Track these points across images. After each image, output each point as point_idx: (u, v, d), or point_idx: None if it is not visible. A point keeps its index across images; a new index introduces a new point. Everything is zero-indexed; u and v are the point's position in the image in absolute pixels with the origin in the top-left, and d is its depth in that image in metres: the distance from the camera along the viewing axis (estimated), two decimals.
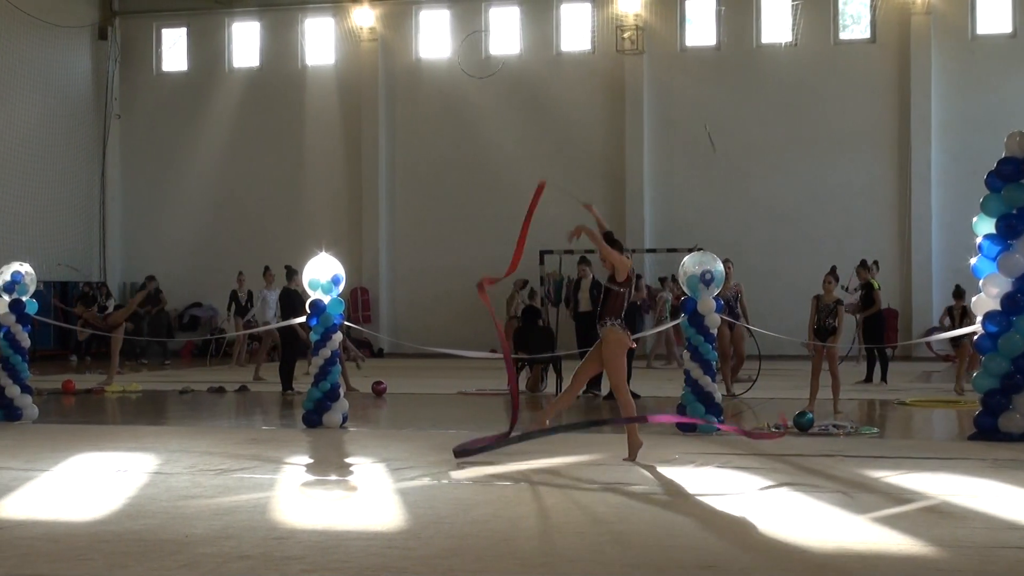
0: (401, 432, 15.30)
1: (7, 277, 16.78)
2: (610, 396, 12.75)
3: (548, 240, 32.93)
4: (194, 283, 36.01)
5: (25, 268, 16.97)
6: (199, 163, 36.64)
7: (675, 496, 10.21)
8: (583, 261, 21.47)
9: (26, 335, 16.85)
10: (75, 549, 8.11)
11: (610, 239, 12.74)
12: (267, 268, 25.93)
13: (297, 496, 10.35)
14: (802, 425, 14.66)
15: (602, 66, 34.08)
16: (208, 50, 36.99)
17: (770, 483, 10.76)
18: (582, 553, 8.01)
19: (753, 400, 19.35)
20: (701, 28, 33.96)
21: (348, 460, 12.45)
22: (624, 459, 12.16)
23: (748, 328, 20.38)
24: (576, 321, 21.08)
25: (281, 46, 36.38)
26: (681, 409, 14.74)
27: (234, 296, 29.54)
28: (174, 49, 37.55)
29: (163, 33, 37.55)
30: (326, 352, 15.53)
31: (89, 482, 11.14)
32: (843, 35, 33.11)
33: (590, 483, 10.83)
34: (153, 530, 8.75)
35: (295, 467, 12.14)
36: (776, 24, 33.31)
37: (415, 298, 34.63)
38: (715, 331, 14.92)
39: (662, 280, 29.73)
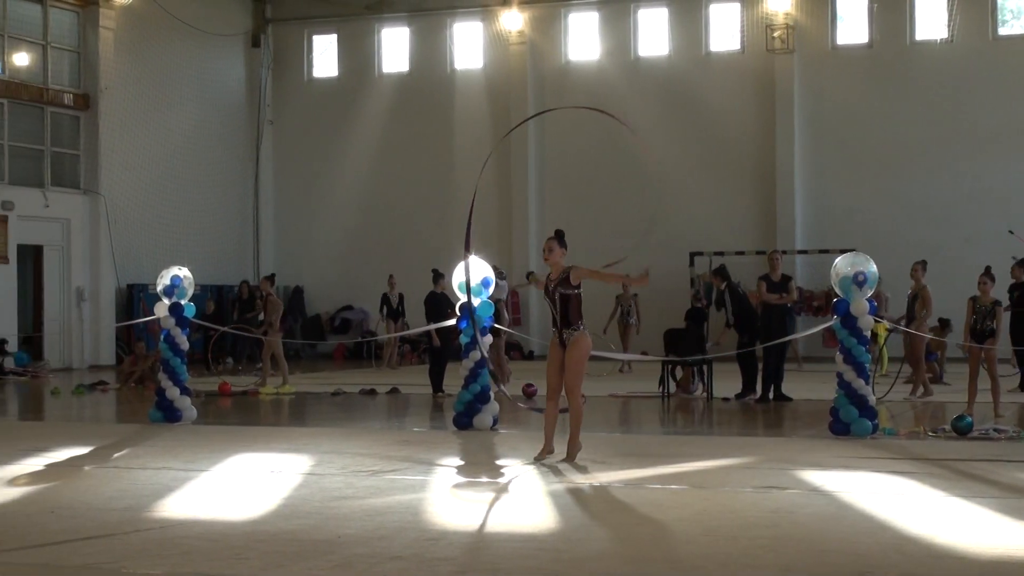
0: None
1: (167, 281, 17.16)
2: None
3: (698, 242, 32.85)
4: (345, 286, 36.47)
5: (184, 272, 17.34)
6: (349, 168, 37.09)
7: (829, 500, 10.06)
8: (717, 273, 21.11)
9: (185, 338, 17.21)
10: (232, 548, 8.25)
11: (561, 237, 13.02)
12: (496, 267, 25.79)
13: (448, 497, 10.41)
14: (961, 429, 14.35)
15: (751, 66, 33.76)
16: (358, 56, 37.44)
17: (927, 487, 10.56)
18: (735, 557, 7.93)
19: (908, 402, 19.00)
20: (853, 26, 33.44)
21: (499, 462, 12.49)
22: (562, 460, 12.28)
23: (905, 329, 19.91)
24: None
25: (430, 50, 36.68)
26: (834, 412, 14.56)
27: (385, 299, 29.71)
28: (325, 55, 38.08)
29: (314, 40, 38.10)
30: (475, 355, 15.60)
31: (245, 482, 11.34)
32: (1002, 30, 32.33)
33: (742, 486, 10.72)
34: (307, 530, 8.87)
35: (446, 469, 12.22)
36: (931, 20, 32.64)
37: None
38: (868, 333, 14.70)
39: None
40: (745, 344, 19.72)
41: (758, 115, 33.61)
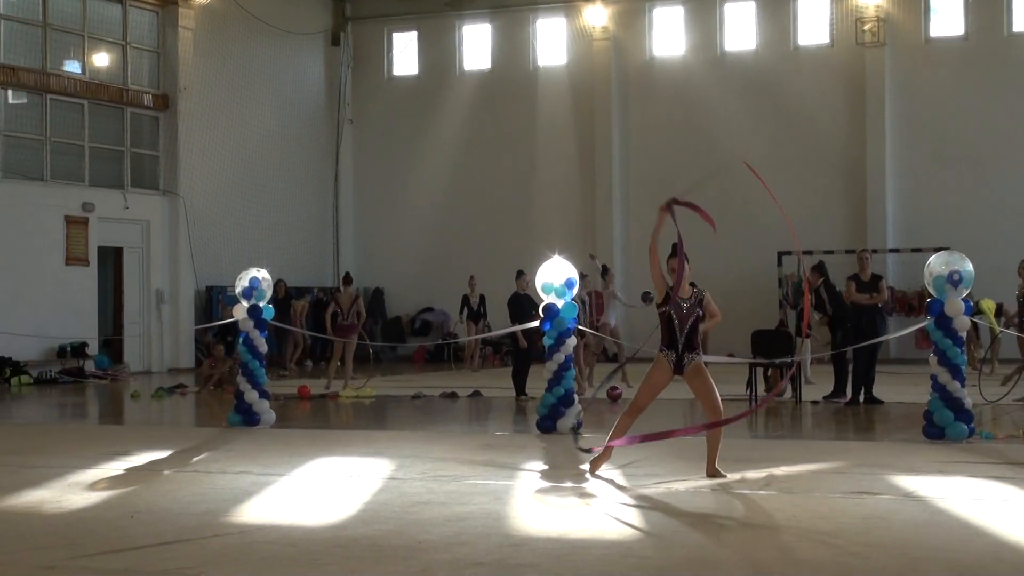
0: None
1: (245, 283, 17.25)
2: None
3: (786, 241, 32.58)
4: (425, 288, 36.58)
5: (263, 274, 17.42)
6: (430, 167, 37.21)
7: (923, 506, 9.94)
8: (816, 269, 20.89)
9: (263, 340, 17.32)
10: (311, 554, 8.29)
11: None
12: (606, 267, 25.69)
13: (532, 503, 10.39)
14: None
15: (841, 60, 33.48)
16: (439, 53, 37.57)
17: None
18: (826, 564, 7.86)
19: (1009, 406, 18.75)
20: (947, 17, 33.06)
21: (583, 466, 12.46)
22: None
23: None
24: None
25: (512, 47, 36.72)
26: (928, 416, 14.38)
27: (466, 300, 29.75)
28: (405, 53, 38.24)
29: (394, 37, 38.28)
30: (560, 357, 15.59)
31: (324, 487, 11.39)
32: None
33: (832, 492, 10.62)
34: (387, 535, 8.89)
35: (529, 473, 12.20)
36: None
37: (651, 303, 34.47)
38: (964, 334, 14.52)
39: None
40: (839, 344, 19.58)
41: (848, 111, 33.32)
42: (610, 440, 11.74)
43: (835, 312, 19.87)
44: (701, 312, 11.68)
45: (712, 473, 11.49)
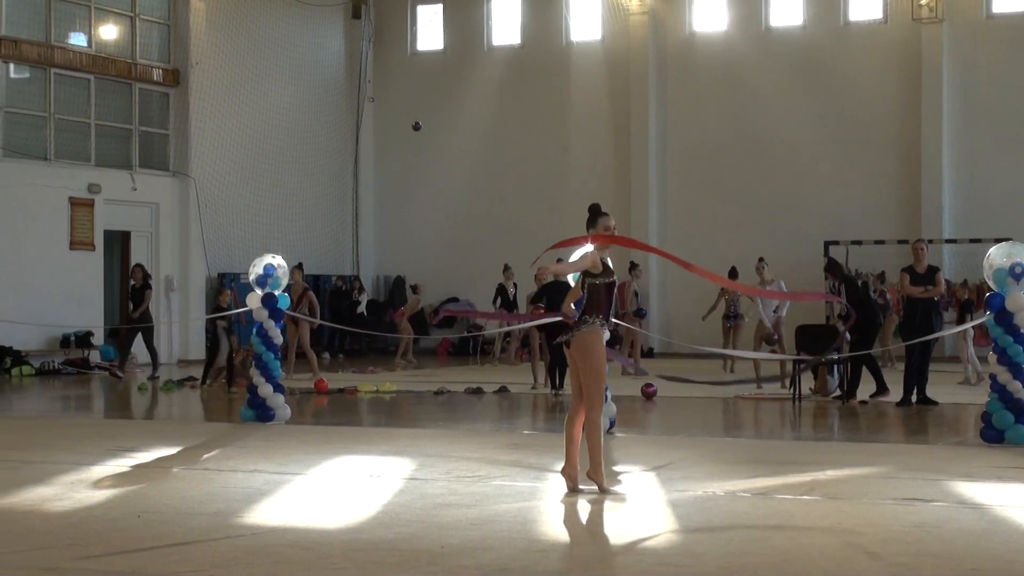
0: (672, 439, 15.27)
1: (259, 270, 17.25)
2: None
3: (833, 230, 32.53)
4: (449, 276, 36.51)
5: (278, 261, 17.41)
6: (455, 148, 37.21)
7: (980, 514, 9.91)
8: (829, 268, 20.90)
9: (279, 331, 17.35)
10: (328, 557, 8.33)
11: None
12: (761, 259, 25.36)
13: (560, 506, 10.41)
14: None
15: (895, 36, 33.33)
16: (466, 28, 37.54)
17: None
18: (874, 574, 7.85)
19: None
20: None
21: (615, 468, 12.46)
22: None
23: None
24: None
25: (544, 22, 36.67)
26: (986, 418, 14.34)
27: (502, 290, 29.44)
28: (429, 27, 38.21)
29: (418, 10, 38.25)
30: None
31: (342, 487, 11.43)
32: None
33: (881, 498, 10.61)
34: (407, 539, 8.92)
35: (558, 475, 12.19)
36: None
37: (688, 293, 34.40)
38: None
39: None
40: (855, 344, 19.60)
41: (902, 91, 33.17)
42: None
43: (860, 312, 19.75)
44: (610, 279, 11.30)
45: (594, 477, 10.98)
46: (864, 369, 19.88)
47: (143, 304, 26.54)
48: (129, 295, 27.12)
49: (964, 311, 23.96)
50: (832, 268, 20.83)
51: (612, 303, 11.14)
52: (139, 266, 27.46)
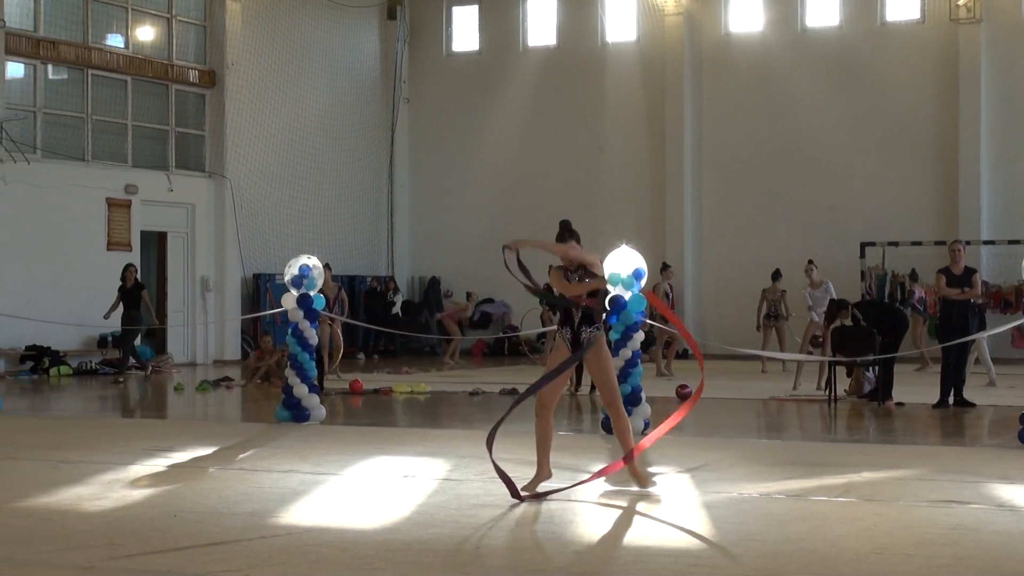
0: (707, 440, 15.24)
1: (295, 271, 17.30)
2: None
3: (869, 231, 32.41)
4: (485, 277, 36.43)
5: (313, 261, 17.47)
6: (491, 149, 37.25)
7: (1018, 516, 9.86)
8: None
9: (314, 332, 17.42)
10: (363, 558, 8.35)
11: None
12: (810, 261, 25.34)
13: (595, 508, 10.41)
14: None
15: (933, 37, 33.19)
16: (501, 29, 37.56)
17: None
18: None
19: None
20: None
21: (650, 469, 12.46)
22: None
23: None
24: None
25: (579, 23, 36.66)
26: None
27: (548, 290, 29.33)
28: (465, 28, 38.24)
29: (454, 11, 38.29)
30: (627, 352, 15.58)
31: (376, 487, 11.46)
32: None
33: (917, 500, 10.57)
34: (443, 540, 8.93)
35: (591, 473, 12.20)
36: None
37: (723, 294, 34.40)
38: None
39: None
40: (885, 347, 19.56)
41: (939, 92, 33.02)
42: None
43: (884, 325, 19.79)
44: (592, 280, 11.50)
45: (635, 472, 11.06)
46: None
47: (141, 306, 25.58)
48: (119, 297, 25.86)
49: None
50: (841, 309, 20.81)
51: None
52: (130, 266, 26.48)
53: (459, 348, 30.22)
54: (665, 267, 27.17)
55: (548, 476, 11.12)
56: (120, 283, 25.95)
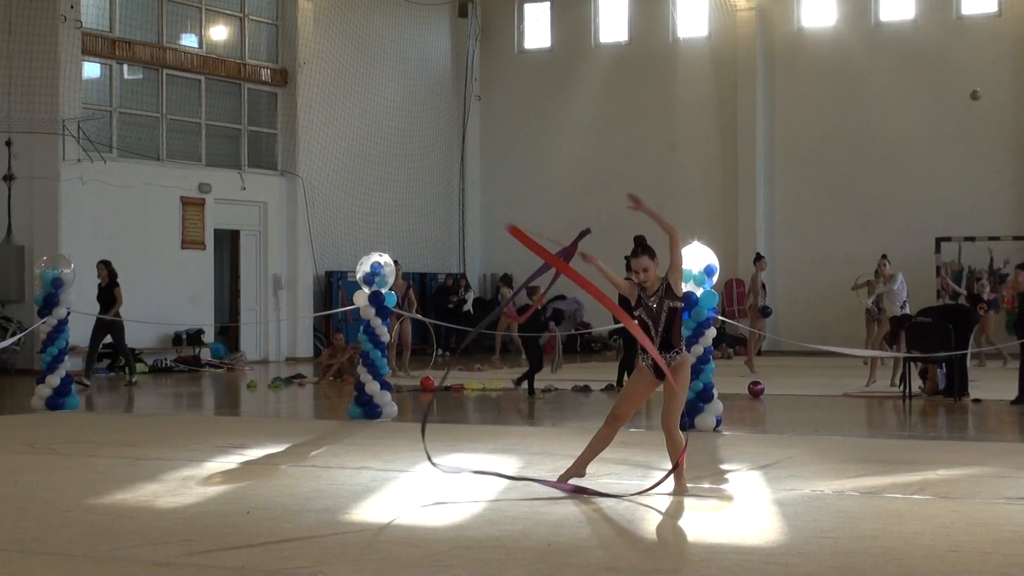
0: (780, 437, 15.17)
1: (367, 268, 17.40)
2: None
3: (945, 226, 32.12)
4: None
5: (385, 259, 17.55)
6: (562, 146, 37.24)
7: None
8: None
9: (385, 329, 17.49)
10: (434, 555, 8.37)
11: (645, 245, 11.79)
12: (884, 255, 25.07)
13: (667, 504, 10.38)
14: None
15: (1009, 30, 32.86)
16: (573, 25, 37.54)
17: None
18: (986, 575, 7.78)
19: None
20: None
21: (723, 466, 12.42)
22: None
23: None
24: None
25: (651, 19, 36.58)
26: None
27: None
28: (536, 25, 38.25)
29: (525, 8, 38.31)
30: (698, 349, 15.52)
31: (448, 484, 11.47)
32: None
33: (995, 497, 10.47)
34: (514, 537, 8.94)
35: (664, 473, 12.17)
36: None
37: (797, 290, 34.21)
38: None
39: None
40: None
41: (1016, 84, 32.71)
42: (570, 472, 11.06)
43: (953, 321, 19.63)
44: (674, 303, 11.12)
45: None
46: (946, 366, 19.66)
47: (116, 304, 23.84)
48: (97, 295, 24.23)
49: None
50: (904, 324, 20.80)
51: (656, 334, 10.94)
52: (104, 263, 24.48)
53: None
54: (759, 257, 26.94)
55: (581, 476, 11.07)
56: (98, 281, 24.43)
